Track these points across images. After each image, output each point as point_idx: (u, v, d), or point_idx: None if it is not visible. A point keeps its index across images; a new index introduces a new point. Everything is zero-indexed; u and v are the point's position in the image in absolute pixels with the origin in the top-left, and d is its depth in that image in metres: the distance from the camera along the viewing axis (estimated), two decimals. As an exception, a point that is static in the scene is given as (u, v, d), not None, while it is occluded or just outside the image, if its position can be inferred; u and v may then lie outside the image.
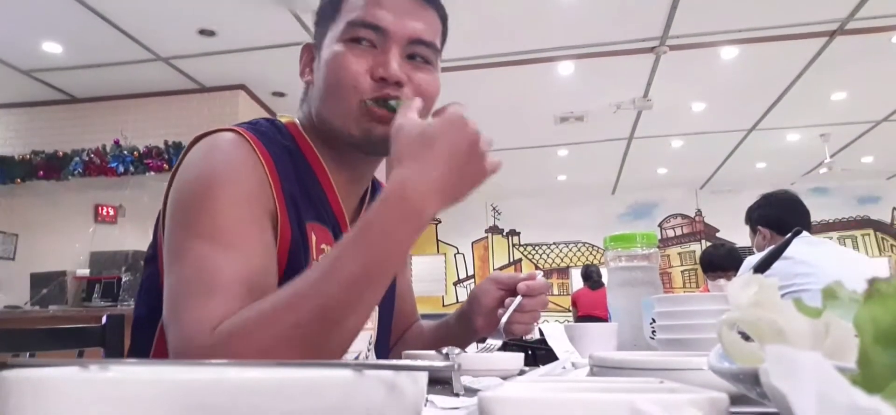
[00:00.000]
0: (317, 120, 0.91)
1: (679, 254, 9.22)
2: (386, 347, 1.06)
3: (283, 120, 0.94)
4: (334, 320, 0.66)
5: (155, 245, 0.88)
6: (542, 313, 1.06)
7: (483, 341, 1.06)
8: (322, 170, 0.92)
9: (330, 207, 0.92)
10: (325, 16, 0.93)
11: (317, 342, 0.66)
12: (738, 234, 6.80)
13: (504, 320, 0.99)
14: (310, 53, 0.96)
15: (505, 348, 1.09)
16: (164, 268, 0.77)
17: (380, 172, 1.05)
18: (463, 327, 1.08)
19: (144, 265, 0.92)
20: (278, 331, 0.65)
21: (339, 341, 0.68)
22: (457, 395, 0.60)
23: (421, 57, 0.90)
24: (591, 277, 6.87)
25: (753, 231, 2.79)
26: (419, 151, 0.70)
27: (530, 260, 9.44)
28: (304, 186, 0.88)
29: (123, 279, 4.72)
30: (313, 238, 0.87)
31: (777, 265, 1.88)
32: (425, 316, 1.24)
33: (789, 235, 1.96)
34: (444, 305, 9.16)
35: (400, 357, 1.08)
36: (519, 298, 1.00)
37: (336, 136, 0.89)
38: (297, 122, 0.95)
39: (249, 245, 0.76)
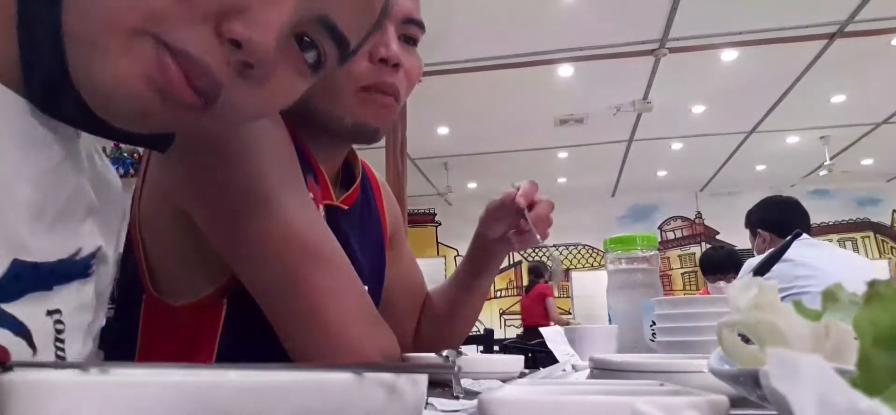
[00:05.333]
0: (300, 106, 0.83)
1: (679, 256, 9.22)
2: None
3: None
4: None
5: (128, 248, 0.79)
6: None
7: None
8: (306, 149, 0.84)
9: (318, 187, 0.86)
10: None
11: None
12: (738, 236, 6.77)
13: (532, 228, 0.96)
14: None
15: (504, 350, 1.09)
16: (228, 251, 0.71)
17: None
18: (481, 275, 1.07)
19: (124, 262, 0.82)
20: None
21: None
22: (457, 397, 0.60)
23: (411, 38, 0.84)
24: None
25: (753, 234, 2.79)
26: None
27: (530, 262, 9.43)
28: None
29: (123, 282, 4.71)
30: None
31: (777, 268, 1.88)
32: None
33: (789, 237, 1.96)
34: (444, 308, 9.15)
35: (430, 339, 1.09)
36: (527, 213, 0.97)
37: (323, 125, 0.83)
38: None
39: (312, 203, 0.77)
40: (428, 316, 1.12)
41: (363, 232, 0.94)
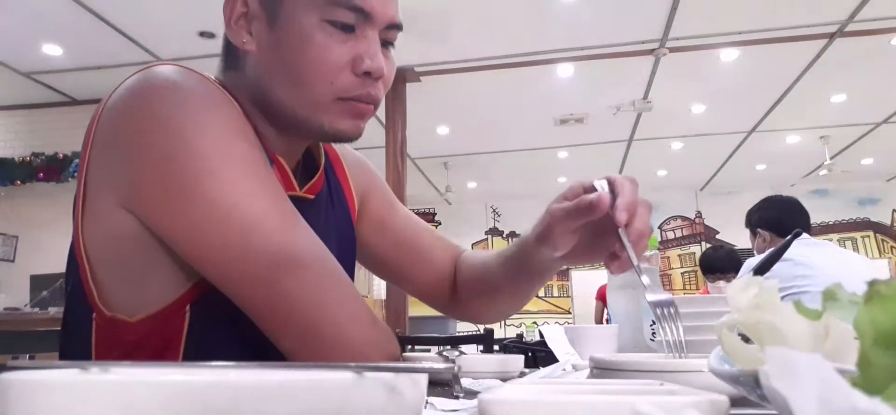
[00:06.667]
0: (264, 101, 0.79)
1: (679, 256, 9.22)
2: None
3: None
4: None
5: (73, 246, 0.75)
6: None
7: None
8: (264, 141, 0.79)
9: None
10: None
11: None
12: (738, 236, 6.79)
13: (635, 258, 0.78)
14: (244, 6, 0.78)
15: (504, 350, 1.09)
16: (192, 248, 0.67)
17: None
18: (537, 268, 0.93)
19: (68, 275, 0.77)
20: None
21: None
22: (456, 397, 0.60)
23: (390, 42, 0.81)
24: None
25: (753, 233, 2.79)
26: None
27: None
28: None
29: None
30: None
31: (777, 267, 1.88)
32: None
33: (789, 237, 1.96)
34: (444, 308, 9.15)
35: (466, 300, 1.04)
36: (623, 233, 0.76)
37: (295, 125, 0.78)
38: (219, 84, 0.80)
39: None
40: (464, 286, 1.04)
41: (328, 221, 0.89)
